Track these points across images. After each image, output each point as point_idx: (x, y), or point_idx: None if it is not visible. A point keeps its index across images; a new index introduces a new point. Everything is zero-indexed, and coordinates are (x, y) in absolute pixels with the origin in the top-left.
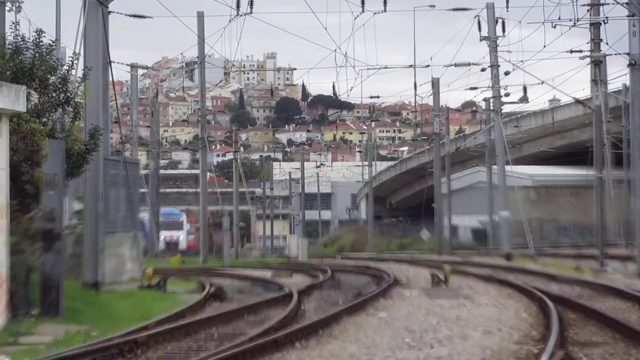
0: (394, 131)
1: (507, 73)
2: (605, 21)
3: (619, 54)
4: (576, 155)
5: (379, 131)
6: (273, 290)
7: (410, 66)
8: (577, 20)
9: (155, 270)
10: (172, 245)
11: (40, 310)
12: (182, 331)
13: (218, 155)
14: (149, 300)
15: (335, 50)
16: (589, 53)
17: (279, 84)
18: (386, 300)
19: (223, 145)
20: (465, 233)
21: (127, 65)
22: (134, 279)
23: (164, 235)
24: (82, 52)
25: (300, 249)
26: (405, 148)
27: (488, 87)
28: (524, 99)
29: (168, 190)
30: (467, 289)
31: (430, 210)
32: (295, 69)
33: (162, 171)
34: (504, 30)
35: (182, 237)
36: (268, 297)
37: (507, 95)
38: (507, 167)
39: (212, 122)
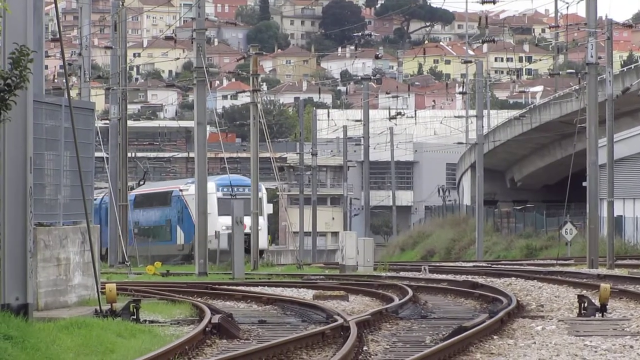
0: (520, 60)
1: None
2: None
3: None
4: None
5: (496, 59)
6: (316, 321)
7: None
8: None
9: (121, 287)
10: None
11: None
12: None
13: (225, 97)
14: (111, 335)
15: None
16: None
17: None
18: (503, 339)
19: (234, 80)
20: (636, 230)
21: None
22: (86, 300)
23: (227, 223)
24: None
25: (361, 254)
26: (539, 88)
27: None
28: None
29: (142, 154)
30: (636, 321)
31: (579, 193)
32: None
33: (132, 123)
34: None
35: (261, 226)
36: (308, 333)
37: None
38: None
39: (216, 41)
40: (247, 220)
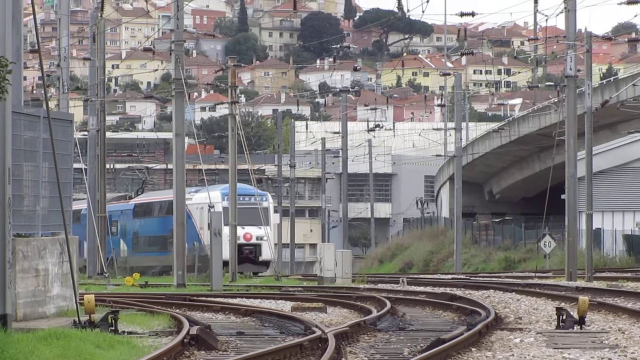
0: (499, 72)
1: None
2: None
3: None
4: None
5: (474, 72)
6: (294, 332)
7: None
8: None
9: (100, 298)
10: (247, 254)
11: None
12: None
13: (204, 109)
14: (90, 347)
15: None
16: None
17: None
18: (481, 351)
19: (212, 92)
20: (615, 243)
21: None
22: (65, 311)
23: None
24: None
25: (340, 266)
26: (518, 101)
27: None
28: None
29: (121, 165)
30: (615, 334)
31: (558, 206)
32: None
33: (110, 134)
34: None
35: (267, 237)
36: (286, 345)
37: None
38: None
39: (195, 52)
40: (254, 230)
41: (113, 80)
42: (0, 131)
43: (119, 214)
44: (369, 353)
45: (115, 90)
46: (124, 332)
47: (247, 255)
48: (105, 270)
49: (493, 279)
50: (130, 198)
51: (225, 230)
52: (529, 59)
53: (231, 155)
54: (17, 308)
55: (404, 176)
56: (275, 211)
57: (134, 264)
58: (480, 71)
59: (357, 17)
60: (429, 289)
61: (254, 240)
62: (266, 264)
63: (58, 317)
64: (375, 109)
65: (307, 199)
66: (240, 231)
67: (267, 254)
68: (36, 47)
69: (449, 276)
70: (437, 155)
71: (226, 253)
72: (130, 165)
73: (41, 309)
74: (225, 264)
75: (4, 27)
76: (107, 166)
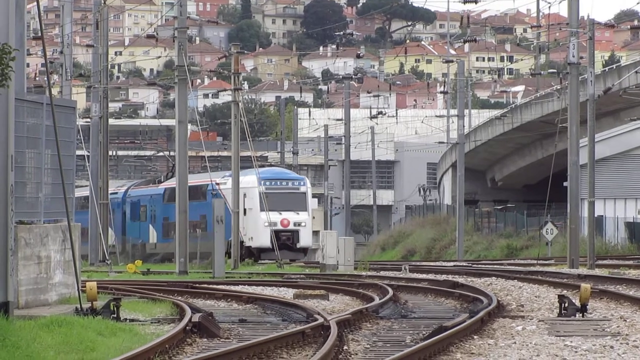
0: (502, 59)
1: None
2: None
3: None
4: None
5: (477, 59)
6: (296, 320)
7: None
8: None
9: (102, 285)
10: (284, 240)
11: None
12: None
13: (206, 96)
14: (92, 334)
15: None
16: None
17: None
18: (483, 339)
19: (215, 78)
20: (617, 230)
21: None
22: (67, 298)
23: (270, 219)
24: None
25: (342, 254)
26: (521, 88)
27: None
28: None
29: (123, 152)
30: (617, 322)
31: (560, 193)
32: None
33: (113, 121)
34: None
35: (305, 223)
36: (288, 332)
37: None
38: None
39: (197, 39)
40: (291, 216)
41: (116, 67)
42: (3, 118)
43: (148, 199)
44: (371, 340)
45: (118, 77)
46: (126, 319)
47: (285, 242)
48: (107, 258)
49: (495, 266)
50: (160, 182)
51: (263, 216)
52: (532, 46)
53: (234, 142)
54: (19, 295)
55: (407, 163)
56: (313, 196)
57: (163, 250)
58: (483, 58)
59: (360, 4)
60: (431, 276)
61: (291, 227)
62: (304, 250)
63: (60, 304)
64: (378, 96)
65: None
66: (277, 217)
67: (305, 240)
68: (39, 34)
69: (451, 263)
70: (439, 143)
71: (263, 239)
72: (159, 151)
73: (43, 296)
74: (263, 250)
75: (7, 14)
76: (110, 153)
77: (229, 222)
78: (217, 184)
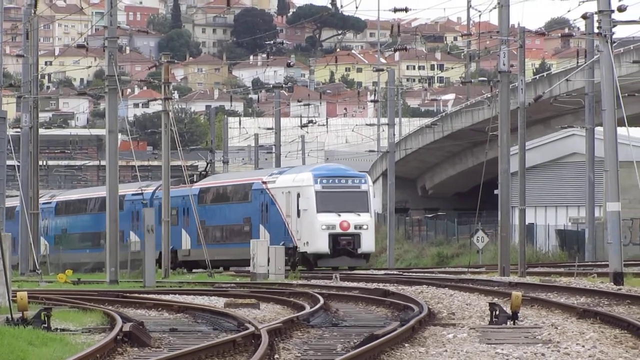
0: (432, 68)
1: None
2: None
3: None
4: None
5: (408, 67)
6: (227, 329)
7: None
8: None
9: (32, 295)
10: (344, 245)
11: None
12: None
13: (137, 105)
14: (23, 344)
15: None
16: None
17: None
18: (414, 347)
19: (145, 88)
20: (548, 238)
21: None
22: None
23: (328, 222)
24: None
25: (272, 263)
26: (451, 96)
27: None
28: None
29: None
30: (548, 329)
31: (491, 201)
32: None
33: (43, 131)
34: None
35: (367, 225)
36: (219, 341)
37: (622, 10)
38: (621, 130)
39: (128, 49)
40: (352, 218)
41: (46, 77)
42: None
43: (179, 201)
44: (302, 349)
45: (48, 87)
46: (57, 329)
47: (345, 246)
48: (38, 268)
49: (426, 274)
50: (193, 182)
51: (320, 218)
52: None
53: (164, 152)
54: None
55: None
56: (374, 195)
57: (199, 257)
58: (414, 67)
59: (291, 13)
60: (362, 284)
61: (351, 230)
62: (366, 256)
63: None
64: (309, 104)
65: None
66: (335, 219)
67: (367, 245)
68: None
69: (382, 272)
70: (370, 151)
71: (319, 244)
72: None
73: None
74: (320, 256)
75: None
76: (40, 163)
77: (280, 225)
78: (265, 182)
